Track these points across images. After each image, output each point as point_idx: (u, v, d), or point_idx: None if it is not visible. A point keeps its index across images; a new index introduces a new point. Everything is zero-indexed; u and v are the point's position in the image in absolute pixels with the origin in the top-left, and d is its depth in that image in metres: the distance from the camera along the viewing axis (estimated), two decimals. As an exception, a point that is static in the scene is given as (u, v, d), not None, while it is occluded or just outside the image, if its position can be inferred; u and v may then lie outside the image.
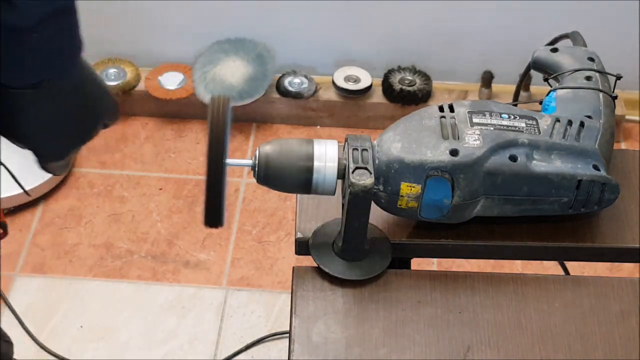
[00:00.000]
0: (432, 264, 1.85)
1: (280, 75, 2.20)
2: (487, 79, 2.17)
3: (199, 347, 1.80)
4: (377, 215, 0.96)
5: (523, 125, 0.94)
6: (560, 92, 1.01)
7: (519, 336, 0.91)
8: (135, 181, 2.10)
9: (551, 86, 1.05)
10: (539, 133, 0.94)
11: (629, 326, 0.92)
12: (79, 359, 1.77)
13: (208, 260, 1.94)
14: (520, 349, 0.90)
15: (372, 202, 0.91)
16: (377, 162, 0.91)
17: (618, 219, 1.01)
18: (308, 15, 2.16)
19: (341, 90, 2.17)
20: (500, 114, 0.95)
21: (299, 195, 1.00)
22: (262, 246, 1.97)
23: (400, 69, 2.19)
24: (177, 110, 2.23)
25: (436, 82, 2.19)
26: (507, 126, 0.94)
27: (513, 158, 0.92)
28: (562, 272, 1.15)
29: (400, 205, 0.92)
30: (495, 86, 2.19)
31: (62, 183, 2.08)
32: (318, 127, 2.23)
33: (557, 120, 0.96)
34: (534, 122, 0.95)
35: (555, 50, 1.07)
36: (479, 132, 0.92)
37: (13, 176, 1.31)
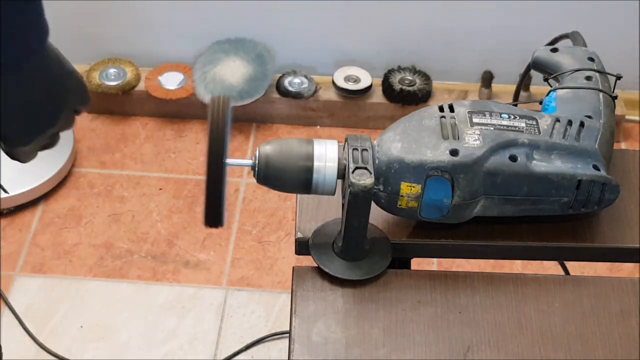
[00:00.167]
0: (432, 264, 1.85)
1: (280, 75, 2.20)
2: (487, 79, 2.17)
3: (199, 347, 1.80)
4: (377, 215, 0.96)
5: (523, 125, 0.94)
6: (560, 92, 1.01)
7: (519, 336, 0.91)
8: (135, 181, 2.10)
9: (551, 86, 1.05)
10: (539, 133, 0.94)
11: (629, 326, 0.92)
12: (79, 359, 1.78)
13: (208, 260, 1.94)
14: (520, 349, 0.90)
15: (372, 202, 0.91)
16: (377, 162, 0.91)
17: (618, 219, 1.01)
18: (308, 15, 2.16)
19: (341, 90, 2.17)
20: (500, 114, 0.95)
21: (299, 195, 1.00)
22: (262, 246, 1.97)
23: (400, 69, 2.19)
24: (177, 110, 2.23)
25: (436, 82, 2.19)
26: (507, 126, 0.94)
27: (513, 158, 0.92)
28: (562, 272, 1.15)
29: (400, 205, 0.92)
30: (495, 86, 2.19)
31: (62, 183, 2.08)
32: (318, 127, 2.23)
33: (557, 120, 0.96)
34: (534, 122, 0.95)
35: (555, 50, 1.07)
36: (479, 132, 0.92)
37: None
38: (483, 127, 0.93)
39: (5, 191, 1.92)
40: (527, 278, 0.96)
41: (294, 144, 0.91)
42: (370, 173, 0.89)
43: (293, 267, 0.96)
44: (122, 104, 2.23)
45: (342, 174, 0.91)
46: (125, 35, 2.23)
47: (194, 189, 2.08)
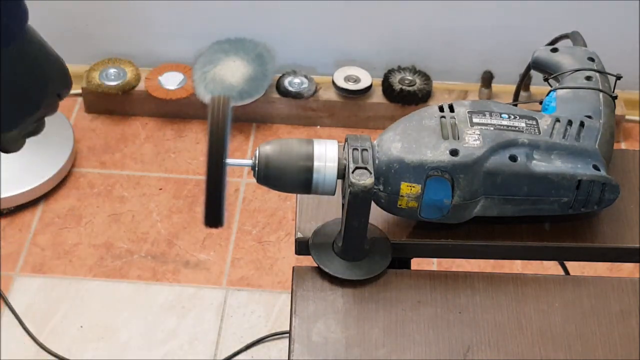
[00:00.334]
0: (432, 264, 1.85)
1: (280, 75, 2.20)
2: (487, 79, 2.17)
3: (199, 347, 1.80)
4: (377, 215, 0.96)
5: (523, 125, 0.94)
6: (560, 92, 1.01)
7: (519, 336, 0.91)
8: (135, 181, 2.10)
9: (551, 86, 1.05)
10: (539, 133, 0.94)
11: (629, 326, 0.92)
12: (79, 359, 1.78)
13: (208, 260, 1.94)
14: (520, 349, 0.90)
15: (372, 202, 0.91)
16: (377, 162, 0.91)
17: (618, 219, 1.01)
18: (308, 15, 2.16)
19: (341, 90, 2.17)
20: (500, 114, 0.95)
21: (299, 195, 1.00)
22: (262, 246, 1.97)
23: (400, 69, 2.19)
24: (177, 110, 2.23)
25: (436, 82, 2.19)
26: (507, 126, 0.94)
27: (513, 158, 0.92)
28: (562, 272, 1.15)
29: (400, 205, 0.92)
30: (495, 86, 2.19)
31: (62, 183, 2.08)
32: (318, 127, 2.23)
33: (557, 120, 0.96)
34: (534, 122, 0.95)
35: (555, 50, 1.07)
36: (479, 132, 0.92)
37: None
38: (483, 127, 0.93)
39: None
40: (527, 278, 0.96)
41: (294, 144, 0.91)
42: (370, 173, 0.89)
43: (293, 267, 0.96)
44: (122, 104, 2.23)
45: (342, 174, 0.91)
46: (125, 35, 2.24)
47: (194, 189, 2.08)
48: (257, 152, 0.91)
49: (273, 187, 0.92)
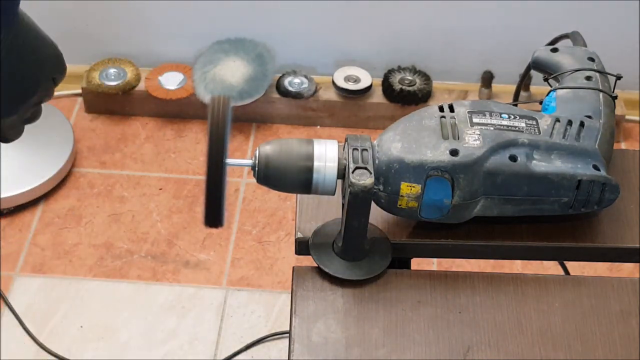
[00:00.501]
0: (432, 264, 1.85)
1: (280, 75, 2.20)
2: (487, 79, 2.17)
3: (199, 347, 1.80)
4: (377, 215, 0.96)
5: (523, 125, 0.94)
6: (560, 92, 1.01)
7: (519, 336, 0.91)
8: (135, 181, 2.10)
9: (551, 86, 1.05)
10: (539, 133, 0.94)
11: (629, 326, 0.92)
12: (79, 359, 1.78)
13: (208, 260, 1.94)
14: (520, 349, 0.90)
15: (372, 202, 0.91)
16: (377, 162, 0.91)
17: (618, 219, 1.01)
18: (308, 15, 2.16)
19: (341, 90, 2.17)
20: (500, 114, 0.95)
21: (299, 195, 1.00)
22: (262, 246, 1.97)
23: (400, 69, 2.19)
24: (177, 110, 2.23)
25: (436, 82, 2.19)
26: (507, 126, 0.94)
27: (513, 158, 0.92)
28: (562, 272, 1.15)
29: (400, 205, 0.92)
30: (495, 86, 2.19)
31: (62, 183, 2.08)
32: (318, 127, 2.23)
33: (557, 120, 0.96)
34: (534, 122, 0.95)
35: (555, 50, 1.07)
36: (479, 132, 0.92)
37: None
38: (483, 127, 0.93)
39: None
40: (527, 278, 0.96)
41: (294, 144, 0.91)
42: (370, 173, 0.89)
43: (293, 267, 0.96)
44: (122, 104, 2.23)
45: (342, 174, 0.91)
46: (125, 35, 2.24)
47: (194, 189, 2.08)
48: (257, 152, 0.91)
49: (273, 187, 0.92)
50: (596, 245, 0.99)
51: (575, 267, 1.15)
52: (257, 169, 0.90)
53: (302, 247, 0.97)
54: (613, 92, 1.03)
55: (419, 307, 0.93)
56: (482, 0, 2.08)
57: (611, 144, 0.98)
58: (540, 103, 1.04)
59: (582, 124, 0.96)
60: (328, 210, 0.99)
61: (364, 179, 0.88)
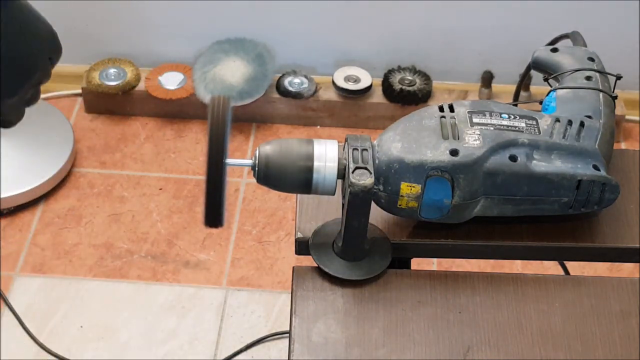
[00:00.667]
0: (432, 264, 1.85)
1: (280, 75, 2.20)
2: (487, 79, 2.17)
3: (199, 347, 1.80)
4: (377, 215, 0.96)
5: (523, 125, 0.94)
6: (560, 92, 1.01)
7: (519, 336, 0.91)
8: (135, 181, 2.10)
9: (551, 86, 1.05)
10: (539, 133, 0.94)
11: (629, 326, 0.92)
12: (79, 359, 1.78)
13: (208, 260, 1.94)
14: (520, 349, 0.90)
15: (372, 202, 0.91)
16: (377, 162, 0.91)
17: (618, 219, 1.01)
18: (308, 15, 2.16)
19: (341, 90, 2.17)
20: (500, 114, 0.95)
21: (299, 195, 1.00)
22: (262, 246, 1.97)
23: (400, 69, 2.19)
24: (177, 110, 2.23)
25: (436, 82, 2.19)
26: (507, 126, 0.94)
27: (513, 158, 0.92)
28: (562, 272, 1.15)
29: (400, 205, 0.92)
30: (495, 86, 2.19)
31: (62, 183, 2.08)
32: (318, 127, 2.23)
33: (557, 120, 0.96)
34: (534, 122, 0.95)
35: (555, 50, 1.07)
36: (479, 132, 0.92)
37: None
38: (483, 127, 0.93)
39: None
40: (527, 278, 0.96)
41: (294, 144, 0.91)
42: (370, 173, 0.89)
43: (293, 267, 0.96)
44: (122, 104, 2.23)
45: (342, 174, 0.91)
46: (125, 35, 2.24)
47: (194, 189, 2.08)
48: (257, 152, 0.91)
49: (273, 187, 0.92)
50: (596, 245, 0.99)
51: (575, 267, 1.15)
52: (257, 169, 0.90)
53: (302, 247, 0.97)
54: (613, 92, 1.03)
55: (419, 307, 0.93)
56: (482, 0, 2.08)
57: (611, 144, 0.98)
58: (540, 103, 1.04)
59: (582, 124, 0.96)
60: (328, 210, 0.99)
61: (364, 179, 0.88)
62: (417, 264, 1.04)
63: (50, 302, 1.86)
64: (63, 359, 1.77)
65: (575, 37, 1.10)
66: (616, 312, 0.93)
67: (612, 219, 1.00)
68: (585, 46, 1.09)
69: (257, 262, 1.94)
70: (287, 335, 1.61)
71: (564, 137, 0.95)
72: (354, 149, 0.91)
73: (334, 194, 0.92)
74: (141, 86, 2.20)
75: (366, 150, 0.91)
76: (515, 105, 0.99)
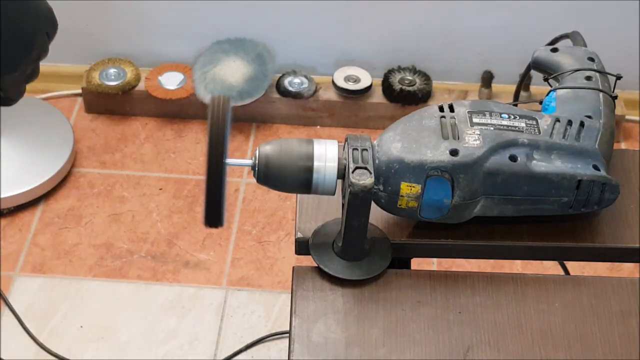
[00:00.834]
0: (432, 264, 1.85)
1: (280, 75, 2.20)
2: (487, 79, 2.17)
3: (199, 347, 1.80)
4: (377, 215, 0.96)
5: (523, 125, 0.94)
6: (560, 92, 1.01)
7: (519, 336, 0.91)
8: (135, 181, 2.10)
9: (551, 86, 1.05)
10: (539, 133, 0.94)
11: (629, 326, 0.92)
12: (79, 359, 1.78)
13: (208, 260, 1.94)
14: (520, 349, 0.90)
15: (372, 202, 0.91)
16: (377, 162, 0.91)
17: (618, 219, 1.01)
18: (308, 15, 2.16)
19: (341, 90, 2.17)
20: (500, 114, 0.95)
21: (299, 195, 1.00)
22: (262, 246, 1.97)
23: (400, 69, 2.19)
24: (177, 110, 2.23)
25: (436, 82, 2.19)
26: (507, 126, 0.94)
27: (513, 158, 0.92)
28: (562, 272, 1.15)
29: (400, 205, 0.92)
30: (495, 86, 2.19)
31: (62, 183, 2.08)
32: (318, 127, 2.23)
33: (557, 120, 0.96)
34: (534, 122, 0.95)
35: (555, 50, 1.07)
36: (479, 132, 0.92)
37: None
38: (483, 127, 0.93)
39: None
40: (527, 278, 0.96)
41: (293, 144, 0.91)
42: (370, 173, 0.89)
43: (293, 267, 0.96)
44: (122, 104, 2.23)
45: (342, 174, 0.91)
46: (125, 35, 2.24)
47: (194, 189, 2.08)
48: (257, 152, 0.91)
49: (273, 187, 0.92)
50: (596, 245, 0.99)
51: (575, 267, 1.15)
52: (257, 169, 0.90)
53: (302, 247, 0.97)
54: (613, 92, 1.03)
55: (419, 307, 0.93)
56: (482, 0, 2.08)
57: (611, 144, 0.98)
58: (540, 103, 1.04)
59: (582, 124, 0.96)
60: (328, 210, 0.99)
61: (364, 179, 0.88)
62: (417, 264, 1.04)
63: (50, 302, 1.86)
64: (63, 359, 1.77)
65: (575, 37, 1.10)
66: (616, 312, 0.93)
67: (612, 219, 1.00)
68: (585, 46, 1.09)
69: (257, 262, 1.94)
70: (287, 335, 1.61)
71: (564, 137, 0.95)
72: (354, 149, 0.91)
73: (334, 194, 0.92)
74: (141, 86, 2.20)
75: (366, 150, 0.91)
76: (515, 105, 0.99)
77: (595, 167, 0.94)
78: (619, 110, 2.10)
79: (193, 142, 2.19)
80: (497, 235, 0.99)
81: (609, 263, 1.43)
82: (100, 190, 2.08)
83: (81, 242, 1.97)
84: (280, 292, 1.89)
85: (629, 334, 0.91)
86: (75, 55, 2.23)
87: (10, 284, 1.89)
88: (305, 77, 2.20)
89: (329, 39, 2.21)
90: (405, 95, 2.15)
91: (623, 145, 2.19)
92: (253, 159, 0.91)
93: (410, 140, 0.92)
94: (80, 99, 2.27)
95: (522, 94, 2.04)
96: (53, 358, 1.78)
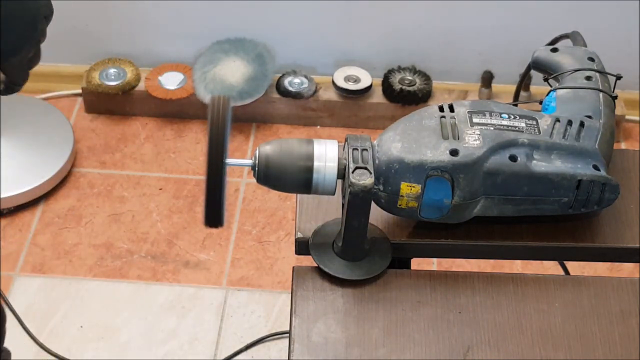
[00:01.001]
0: (432, 264, 1.85)
1: (280, 75, 2.20)
2: (487, 79, 2.17)
3: (199, 347, 1.80)
4: (377, 215, 0.96)
5: (523, 125, 0.94)
6: (560, 92, 1.01)
7: (519, 336, 0.91)
8: (135, 181, 2.10)
9: (551, 86, 1.05)
10: (539, 133, 0.94)
11: (629, 326, 0.92)
12: (79, 359, 1.78)
13: (208, 260, 1.94)
14: (520, 349, 0.90)
15: (372, 202, 0.91)
16: (377, 162, 0.91)
17: (618, 219, 1.01)
18: (308, 15, 2.16)
19: (341, 90, 2.17)
20: (500, 114, 0.95)
21: (299, 195, 1.00)
22: (262, 246, 1.97)
23: (400, 69, 2.19)
24: (177, 110, 2.23)
25: (436, 82, 2.19)
26: (507, 126, 0.94)
27: (513, 158, 0.92)
28: (562, 272, 1.15)
29: (400, 205, 0.92)
30: (495, 86, 2.19)
31: (62, 183, 2.08)
32: (318, 127, 2.23)
33: (557, 120, 0.96)
34: (534, 122, 0.95)
35: (555, 50, 1.07)
36: (479, 132, 0.92)
37: None
38: (483, 127, 0.93)
39: None
40: (527, 278, 0.96)
41: (294, 144, 0.91)
42: (370, 173, 0.89)
43: (293, 267, 0.96)
44: (122, 104, 2.23)
45: (342, 174, 0.91)
46: (125, 35, 2.24)
47: (194, 189, 2.08)
48: (257, 152, 0.91)
49: (273, 187, 0.92)
50: (596, 245, 0.99)
51: (575, 267, 1.15)
52: (257, 169, 0.90)
53: (302, 247, 0.97)
54: (613, 92, 1.03)
55: (419, 307, 0.93)
56: (482, 0, 2.08)
57: (611, 144, 0.98)
58: (540, 103, 1.04)
59: (582, 124, 0.96)
60: (328, 210, 0.99)
61: (364, 179, 0.88)
62: (417, 264, 1.04)
63: (50, 302, 1.86)
64: (63, 359, 1.77)
65: (575, 37, 1.10)
66: (616, 312, 0.93)
67: (612, 219, 1.00)
68: (585, 46, 1.09)
69: (257, 262, 1.94)
70: (287, 335, 1.61)
71: (564, 137, 0.95)
72: (354, 149, 0.91)
73: (334, 194, 0.92)
74: (141, 86, 2.20)
75: (366, 150, 0.91)
76: (515, 105, 0.99)
77: (595, 167, 0.94)
78: (619, 110, 2.10)
79: (193, 142, 2.19)
80: (497, 235, 0.99)
81: (609, 263, 1.43)
82: (100, 190, 2.08)
83: (81, 242, 1.97)
84: (280, 292, 1.89)
85: (629, 334, 0.91)
86: (75, 55, 2.23)
87: (10, 284, 1.89)
88: (305, 77, 2.20)
89: (329, 39, 2.21)
90: (405, 95, 2.15)
91: (623, 145, 2.19)
92: (253, 159, 0.91)
93: (410, 140, 0.92)
94: (80, 99, 2.27)
95: (522, 94, 2.04)
96: (53, 358, 1.78)
